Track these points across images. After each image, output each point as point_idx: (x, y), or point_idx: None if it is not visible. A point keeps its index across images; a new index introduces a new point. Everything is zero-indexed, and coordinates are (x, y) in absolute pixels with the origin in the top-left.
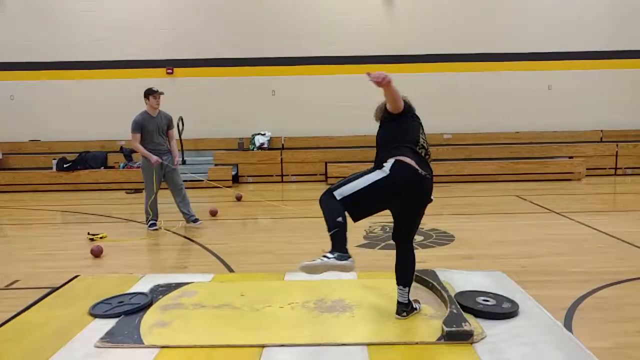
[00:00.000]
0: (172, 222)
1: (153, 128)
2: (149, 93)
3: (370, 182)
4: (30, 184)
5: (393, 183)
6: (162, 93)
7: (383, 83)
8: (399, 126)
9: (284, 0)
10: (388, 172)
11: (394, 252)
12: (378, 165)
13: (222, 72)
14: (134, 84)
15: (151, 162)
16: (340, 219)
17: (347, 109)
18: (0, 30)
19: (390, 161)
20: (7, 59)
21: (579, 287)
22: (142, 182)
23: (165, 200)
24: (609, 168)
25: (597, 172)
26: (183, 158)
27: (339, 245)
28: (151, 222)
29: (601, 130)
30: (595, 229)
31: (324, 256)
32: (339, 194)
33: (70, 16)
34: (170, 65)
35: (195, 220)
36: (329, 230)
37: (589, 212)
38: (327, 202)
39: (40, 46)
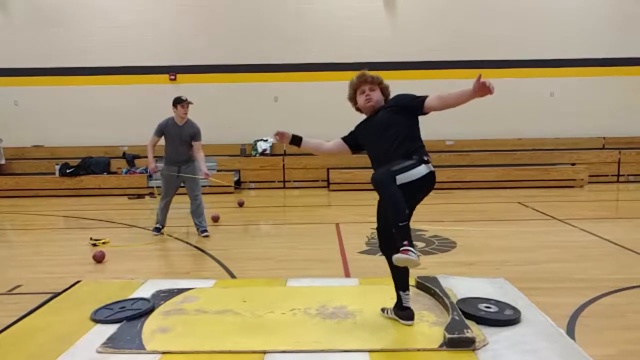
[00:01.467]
0: (174, 227)
1: (175, 136)
2: (177, 102)
3: (422, 174)
4: (33, 189)
5: (433, 179)
6: (190, 102)
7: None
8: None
9: (286, 7)
10: (432, 168)
11: None
12: (421, 159)
13: (224, 78)
14: (137, 90)
15: (151, 168)
16: (407, 210)
17: (349, 116)
18: (5, 36)
19: (428, 158)
20: (11, 64)
21: (582, 294)
22: (143, 188)
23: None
24: (612, 175)
25: (600, 179)
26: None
27: (411, 239)
28: (155, 226)
29: (604, 137)
30: (598, 236)
31: (411, 251)
32: (400, 179)
33: (74, 23)
34: (173, 71)
35: (203, 231)
36: (402, 221)
37: (591, 219)
38: (392, 187)
39: (44, 52)
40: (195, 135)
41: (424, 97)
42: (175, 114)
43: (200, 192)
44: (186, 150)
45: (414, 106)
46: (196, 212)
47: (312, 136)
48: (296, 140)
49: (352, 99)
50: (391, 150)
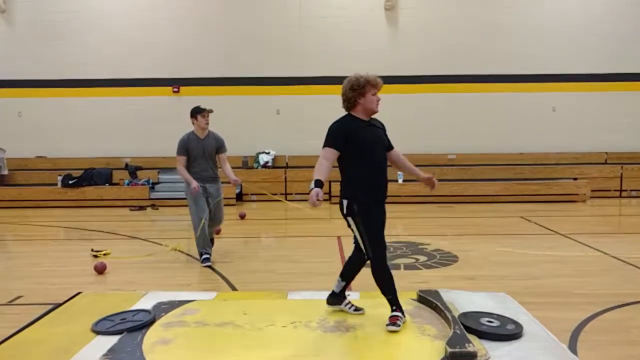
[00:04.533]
0: (175, 239)
1: (199, 151)
2: (197, 112)
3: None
4: (35, 200)
5: None
6: (211, 111)
7: None
8: None
9: (288, 21)
10: None
11: (397, 272)
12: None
13: (227, 91)
14: (140, 102)
15: (191, 188)
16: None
17: None
18: (10, 48)
19: None
20: (16, 76)
21: (584, 310)
22: (145, 199)
23: (170, 217)
24: (614, 190)
25: (602, 194)
26: None
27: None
28: (204, 256)
29: (606, 152)
30: (600, 251)
31: (400, 319)
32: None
33: (78, 35)
34: (176, 84)
35: (205, 260)
36: (394, 294)
37: (593, 234)
38: (388, 271)
39: (48, 64)
40: (220, 147)
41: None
42: (195, 126)
43: (223, 217)
44: (211, 165)
45: (389, 142)
46: (209, 232)
47: (315, 149)
48: (320, 184)
49: (361, 93)
50: (384, 169)
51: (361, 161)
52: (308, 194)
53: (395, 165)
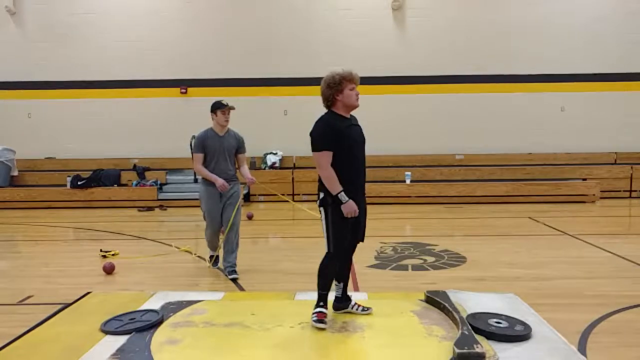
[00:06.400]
0: (183, 240)
1: (218, 149)
2: (217, 107)
3: None
4: (44, 201)
5: None
6: (232, 108)
7: None
8: None
9: (296, 22)
10: None
11: (405, 272)
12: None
13: (235, 92)
14: (148, 103)
15: (216, 187)
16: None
17: None
18: (20, 50)
19: None
20: (26, 77)
21: (594, 311)
22: (153, 200)
23: (178, 218)
24: (624, 191)
25: (612, 194)
26: (195, 176)
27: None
28: (211, 254)
29: (615, 153)
30: (609, 252)
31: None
32: None
33: (87, 37)
34: (183, 84)
35: (231, 272)
36: (326, 292)
37: (603, 234)
38: (334, 270)
39: (57, 66)
40: (239, 146)
41: None
42: (214, 122)
43: (240, 222)
44: (230, 165)
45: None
46: (229, 244)
47: None
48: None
49: (338, 89)
50: (363, 166)
51: (343, 160)
52: (316, 194)
53: None
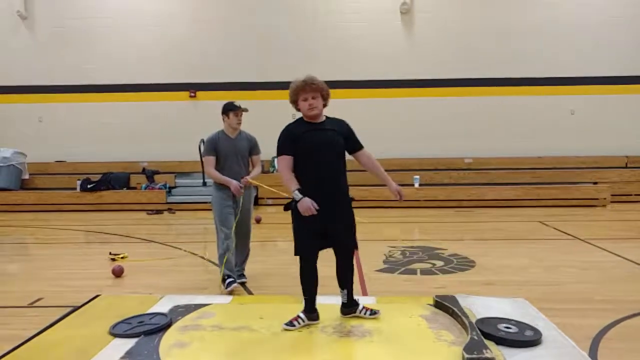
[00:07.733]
0: (192, 243)
1: (229, 152)
2: (229, 109)
3: None
4: (55, 204)
5: None
6: (245, 110)
7: None
8: None
9: (302, 26)
10: None
11: (414, 277)
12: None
13: (243, 95)
14: (157, 106)
15: (231, 189)
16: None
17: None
18: (31, 55)
19: None
20: (37, 82)
21: (605, 316)
22: (162, 203)
23: (186, 221)
24: (635, 195)
25: (623, 198)
26: (204, 180)
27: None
28: (228, 280)
29: (627, 156)
30: (621, 256)
31: (300, 321)
32: None
33: (97, 41)
34: (192, 88)
35: (240, 276)
36: (310, 297)
37: (614, 239)
38: (307, 274)
39: (68, 70)
40: (253, 147)
41: (362, 145)
42: (225, 124)
43: (250, 229)
44: (243, 168)
45: (353, 143)
46: (241, 252)
47: None
48: (302, 191)
49: (294, 100)
50: (338, 173)
51: (304, 164)
52: None
53: (366, 168)
